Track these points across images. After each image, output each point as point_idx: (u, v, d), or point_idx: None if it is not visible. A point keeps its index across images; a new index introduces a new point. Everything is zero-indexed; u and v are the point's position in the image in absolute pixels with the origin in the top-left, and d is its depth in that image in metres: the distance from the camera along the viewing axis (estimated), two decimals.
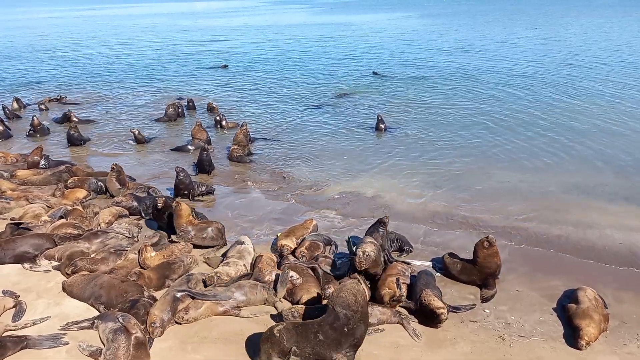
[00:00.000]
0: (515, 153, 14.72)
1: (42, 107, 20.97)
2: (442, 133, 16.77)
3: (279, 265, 8.24)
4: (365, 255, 7.38)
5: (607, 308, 7.24)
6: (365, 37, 46.96)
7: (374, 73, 27.61)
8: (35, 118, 17.48)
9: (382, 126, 16.94)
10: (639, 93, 21.70)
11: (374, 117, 17.87)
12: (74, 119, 18.29)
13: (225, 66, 31.09)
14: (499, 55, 33.58)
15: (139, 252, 8.35)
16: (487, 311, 7.43)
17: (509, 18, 64.14)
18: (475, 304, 7.55)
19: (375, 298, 7.42)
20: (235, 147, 14.69)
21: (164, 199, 9.71)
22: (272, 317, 7.14)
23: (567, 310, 7.19)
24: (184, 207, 9.24)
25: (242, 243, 8.73)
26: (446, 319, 6.86)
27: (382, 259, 7.91)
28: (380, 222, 8.81)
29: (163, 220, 9.68)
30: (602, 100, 20.53)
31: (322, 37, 47.21)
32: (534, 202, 11.37)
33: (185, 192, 11.55)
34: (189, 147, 15.44)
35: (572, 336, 6.71)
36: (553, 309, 7.47)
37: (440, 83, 24.90)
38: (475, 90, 22.99)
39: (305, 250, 8.57)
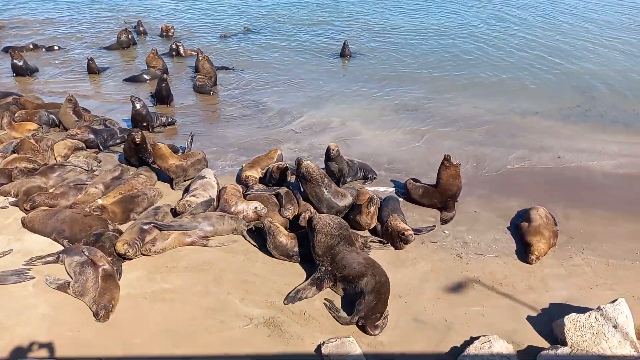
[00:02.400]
0: (483, 78, 14.86)
1: None
2: (408, 58, 16.64)
3: (244, 196, 8.27)
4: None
5: (557, 225, 7.74)
6: None
7: None
8: None
9: (347, 51, 16.58)
10: (619, 13, 21.88)
11: (337, 42, 17.39)
12: (37, 47, 17.08)
13: None
14: None
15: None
16: (447, 232, 7.81)
17: None
18: (435, 226, 7.90)
19: (353, 220, 7.70)
20: (200, 76, 14.11)
21: (140, 132, 9.36)
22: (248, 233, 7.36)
23: (520, 229, 7.63)
24: (163, 147, 8.90)
25: (204, 177, 8.65)
26: (413, 240, 7.18)
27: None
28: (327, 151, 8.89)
29: (136, 156, 9.39)
30: (582, 20, 20.73)
31: None
32: (496, 127, 11.67)
33: (144, 123, 11.16)
34: (145, 76, 14.73)
35: (524, 252, 7.18)
36: (507, 228, 7.93)
37: (406, 3, 24.22)
38: (446, 13, 22.54)
39: (276, 169, 8.69)
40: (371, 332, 5.76)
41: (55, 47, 17.65)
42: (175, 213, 7.81)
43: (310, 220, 6.74)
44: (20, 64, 14.87)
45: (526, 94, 13.70)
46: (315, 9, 23.46)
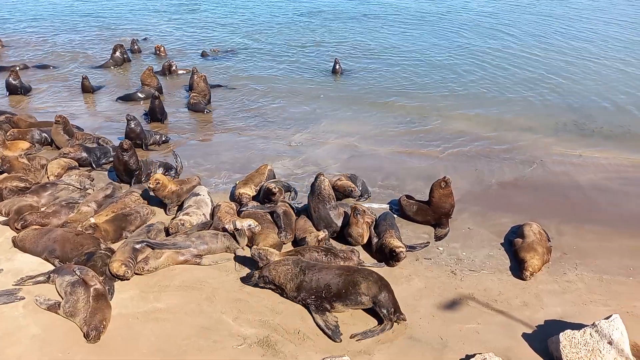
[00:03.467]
0: (479, 95, 14.94)
1: None
2: (400, 74, 16.77)
3: (238, 213, 8.25)
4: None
5: (550, 241, 7.76)
6: None
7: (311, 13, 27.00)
8: None
9: (338, 68, 16.72)
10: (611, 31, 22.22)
11: (327, 60, 17.56)
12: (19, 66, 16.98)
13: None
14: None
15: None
16: (441, 249, 7.80)
17: None
18: (429, 242, 7.89)
19: (346, 234, 7.80)
20: (194, 94, 14.16)
21: (129, 141, 9.45)
22: (237, 258, 7.33)
23: (513, 245, 7.65)
24: (159, 175, 8.64)
25: (198, 194, 8.61)
26: (405, 257, 7.17)
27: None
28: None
29: (124, 168, 9.39)
30: (583, 39, 20.96)
31: None
32: (490, 143, 11.73)
33: (138, 141, 11.14)
34: (139, 94, 14.76)
35: (518, 268, 7.18)
36: (501, 244, 7.93)
37: (396, 23, 24.53)
38: (437, 31, 22.79)
39: (267, 189, 8.64)
40: (404, 319, 6.08)
41: (49, 66, 17.71)
42: (168, 232, 7.76)
43: (263, 277, 6.54)
44: (15, 82, 14.87)
45: (521, 110, 13.77)
46: (306, 29, 23.64)
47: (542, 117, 13.31)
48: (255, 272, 6.70)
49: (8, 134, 11.08)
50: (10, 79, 14.86)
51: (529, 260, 7.07)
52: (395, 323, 6.05)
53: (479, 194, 9.57)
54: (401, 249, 7.14)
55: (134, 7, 29.19)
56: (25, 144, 10.85)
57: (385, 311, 6.03)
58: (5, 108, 13.64)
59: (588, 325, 5.54)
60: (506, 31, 22.60)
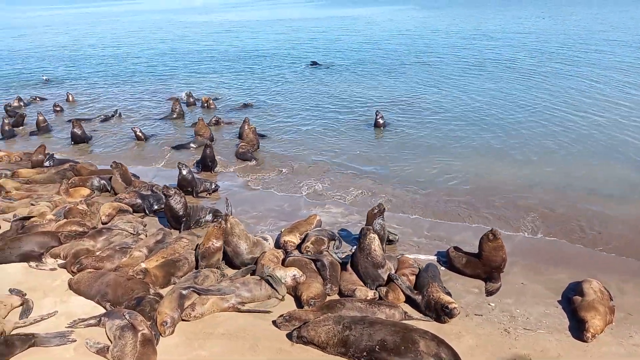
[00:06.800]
0: (519, 146, 14.63)
1: (57, 108, 20.70)
2: (442, 127, 16.65)
3: (283, 262, 8.25)
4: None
5: (612, 300, 7.25)
6: (362, 29, 46.59)
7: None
8: (40, 115, 17.61)
9: (381, 122, 16.60)
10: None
11: (369, 112, 17.78)
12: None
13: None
14: (501, 45, 33.27)
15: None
16: (492, 304, 7.45)
17: (515, 6, 63.41)
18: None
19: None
20: (243, 144, 14.69)
21: (174, 189, 10.00)
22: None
23: (572, 303, 7.19)
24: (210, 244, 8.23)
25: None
26: (458, 314, 6.89)
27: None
28: (379, 212, 8.83)
29: (172, 215, 9.76)
30: (604, 91, 20.44)
31: (322, 30, 46.89)
32: (537, 195, 11.33)
33: (189, 189, 11.55)
34: (192, 144, 15.46)
35: (578, 328, 6.72)
36: (558, 301, 7.49)
37: (434, 76, 24.75)
38: (477, 84, 22.79)
39: (311, 245, 8.57)
40: None
41: (112, 117, 19.03)
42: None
43: (301, 338, 6.40)
44: (79, 132, 15.99)
45: (574, 164, 13.17)
46: (351, 81, 24.24)
47: (603, 169, 12.63)
48: (294, 332, 6.56)
49: (70, 181, 11.78)
50: (75, 130, 16.01)
51: (590, 320, 6.62)
52: None
53: (530, 247, 9.19)
54: (454, 305, 6.88)
55: (194, 63, 31.21)
56: (85, 191, 11.47)
57: None
58: (70, 157, 14.59)
59: None
60: (551, 84, 22.20)
